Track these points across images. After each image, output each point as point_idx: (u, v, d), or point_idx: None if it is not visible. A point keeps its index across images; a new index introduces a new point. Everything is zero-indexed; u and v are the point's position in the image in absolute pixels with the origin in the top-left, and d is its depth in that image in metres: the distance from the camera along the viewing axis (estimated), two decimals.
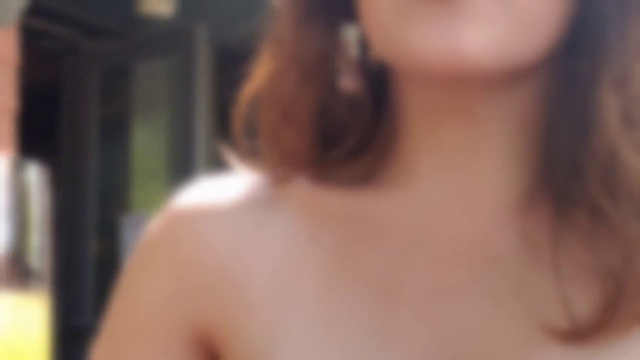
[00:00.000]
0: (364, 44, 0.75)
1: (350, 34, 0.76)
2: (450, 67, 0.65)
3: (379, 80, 0.76)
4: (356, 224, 0.74)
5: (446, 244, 0.72)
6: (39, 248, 0.56)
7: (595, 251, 0.67)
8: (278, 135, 0.75)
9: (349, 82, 0.76)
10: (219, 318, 0.74)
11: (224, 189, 0.78)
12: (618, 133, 0.66)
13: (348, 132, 0.75)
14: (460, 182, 0.72)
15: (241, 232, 0.75)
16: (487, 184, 0.72)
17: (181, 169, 4.57)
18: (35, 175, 0.56)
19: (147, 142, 5.02)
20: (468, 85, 0.69)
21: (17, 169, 0.56)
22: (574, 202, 0.69)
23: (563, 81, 0.69)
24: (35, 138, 3.99)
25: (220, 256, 0.75)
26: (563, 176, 0.69)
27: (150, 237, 0.78)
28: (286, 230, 0.75)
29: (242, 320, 0.73)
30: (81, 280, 4.79)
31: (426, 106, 0.72)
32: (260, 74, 0.77)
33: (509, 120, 0.71)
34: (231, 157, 0.79)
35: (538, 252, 0.70)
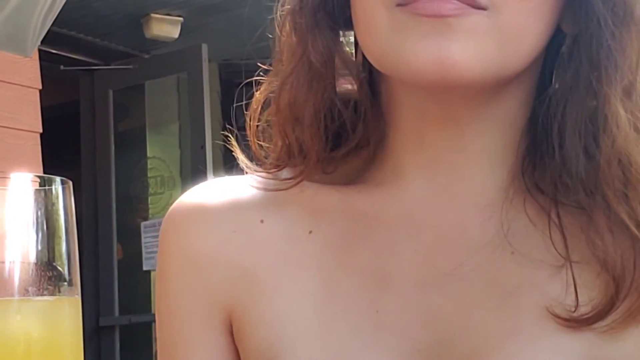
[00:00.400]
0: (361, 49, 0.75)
1: (350, 39, 0.76)
2: (440, 79, 0.64)
3: (374, 83, 0.75)
4: (350, 219, 0.74)
5: (431, 236, 0.72)
6: (68, 255, 0.56)
7: (594, 247, 0.67)
8: (289, 135, 0.75)
9: (351, 84, 0.75)
10: (234, 307, 0.73)
11: (227, 188, 0.77)
12: (631, 140, 0.66)
13: (353, 130, 0.75)
14: (444, 179, 0.72)
15: (247, 227, 0.74)
16: (469, 181, 0.72)
17: (193, 176, 4.57)
18: (60, 189, 0.56)
19: (161, 153, 5.02)
20: (456, 94, 0.69)
21: (45, 184, 0.56)
22: (574, 202, 0.68)
23: (569, 93, 0.69)
24: (59, 154, 3.98)
25: (230, 250, 0.74)
26: (560, 179, 0.69)
27: (163, 238, 0.77)
28: (286, 225, 0.74)
29: (251, 310, 0.72)
30: (107, 283, 4.79)
31: (415, 111, 0.72)
32: (270, 80, 0.77)
33: (493, 124, 0.71)
34: (239, 159, 0.78)
35: (514, 243, 0.70)
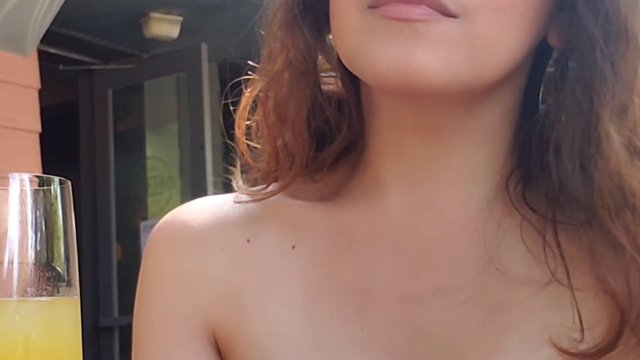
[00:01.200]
0: None
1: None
2: (404, 84, 0.63)
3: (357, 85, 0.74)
4: (333, 234, 0.74)
5: (415, 250, 0.71)
6: (67, 255, 0.56)
7: (595, 273, 0.65)
8: (276, 138, 0.74)
9: (335, 83, 0.75)
10: (222, 325, 0.73)
11: (212, 207, 0.78)
12: (625, 164, 0.64)
13: (338, 130, 0.74)
14: (425, 190, 0.71)
15: (234, 246, 0.75)
16: (450, 192, 0.71)
17: (193, 177, 4.58)
18: (59, 189, 0.56)
19: (160, 153, 5.02)
20: (429, 101, 0.67)
21: (43, 184, 0.56)
22: (571, 224, 0.66)
23: (563, 114, 0.67)
24: (58, 154, 3.98)
25: (218, 268, 0.74)
26: (555, 198, 0.66)
27: (148, 256, 0.78)
28: (271, 241, 0.74)
29: (239, 328, 0.72)
30: (106, 283, 4.79)
31: (392, 116, 0.71)
32: (258, 79, 0.76)
33: (473, 134, 0.70)
34: (234, 181, 0.78)
35: (501, 260, 0.69)
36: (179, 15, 4.48)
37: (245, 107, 0.77)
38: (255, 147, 0.78)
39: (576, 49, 0.66)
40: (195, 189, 4.49)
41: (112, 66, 4.88)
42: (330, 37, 0.73)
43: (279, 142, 0.74)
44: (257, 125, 0.77)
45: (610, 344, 0.63)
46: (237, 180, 0.78)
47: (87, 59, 4.84)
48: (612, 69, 0.64)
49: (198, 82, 4.59)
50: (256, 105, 0.77)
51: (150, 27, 4.46)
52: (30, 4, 2.82)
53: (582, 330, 0.64)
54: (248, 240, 0.75)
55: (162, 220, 0.79)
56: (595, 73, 0.65)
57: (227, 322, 0.73)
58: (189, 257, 0.75)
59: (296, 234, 0.74)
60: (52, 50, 4.43)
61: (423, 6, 0.62)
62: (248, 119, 0.77)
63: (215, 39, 4.57)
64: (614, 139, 0.64)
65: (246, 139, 0.78)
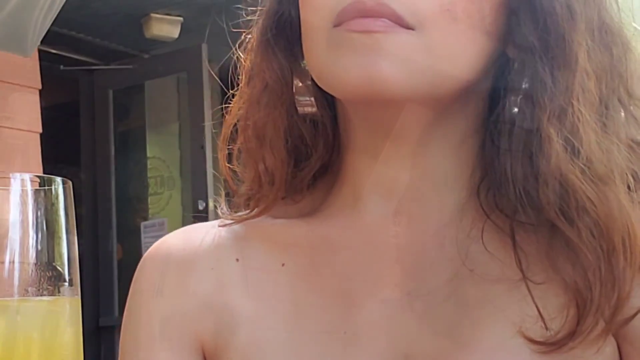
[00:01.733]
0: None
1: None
2: (369, 93, 0.66)
3: (332, 104, 0.78)
4: (317, 248, 0.77)
5: (392, 257, 0.74)
6: (68, 255, 0.56)
7: (556, 267, 0.68)
8: (257, 160, 0.78)
9: (310, 105, 0.78)
10: (211, 339, 0.76)
11: (202, 232, 0.81)
12: (564, 163, 0.67)
13: (314, 147, 0.77)
14: (399, 200, 0.74)
15: (224, 264, 0.78)
16: (424, 200, 0.74)
17: (193, 177, 4.58)
18: (60, 189, 0.56)
19: (161, 153, 5.02)
20: (395, 109, 0.70)
21: (44, 184, 0.56)
22: (529, 224, 0.69)
23: (512, 117, 0.71)
24: (59, 154, 3.98)
25: (209, 285, 0.77)
26: (515, 199, 0.69)
27: (141, 275, 0.80)
28: (259, 260, 0.77)
29: (229, 341, 0.75)
30: (107, 283, 4.79)
31: (364, 129, 0.74)
32: (234, 108, 0.80)
33: (442, 142, 0.73)
34: (220, 207, 0.81)
35: (473, 263, 0.72)
36: (180, 15, 4.48)
37: (226, 136, 0.80)
38: (236, 172, 0.81)
39: (519, 58, 0.70)
40: (195, 189, 4.49)
41: (112, 66, 4.89)
42: (304, 62, 0.77)
43: (261, 167, 0.77)
44: (238, 151, 0.80)
45: (571, 330, 0.66)
46: (222, 207, 0.81)
47: (88, 59, 4.85)
48: (551, 75, 0.68)
49: (198, 82, 4.59)
50: (237, 131, 0.80)
51: (150, 28, 4.47)
52: (31, 4, 2.82)
53: (542, 319, 0.67)
54: (237, 260, 0.78)
55: (152, 246, 0.81)
56: (535, 79, 0.69)
57: (216, 336, 0.75)
58: (179, 276, 0.78)
59: (283, 252, 0.77)
60: (53, 51, 4.43)
61: (383, 19, 0.66)
62: (230, 145, 0.80)
63: (215, 39, 4.57)
64: (554, 140, 0.67)
65: (228, 165, 0.81)
